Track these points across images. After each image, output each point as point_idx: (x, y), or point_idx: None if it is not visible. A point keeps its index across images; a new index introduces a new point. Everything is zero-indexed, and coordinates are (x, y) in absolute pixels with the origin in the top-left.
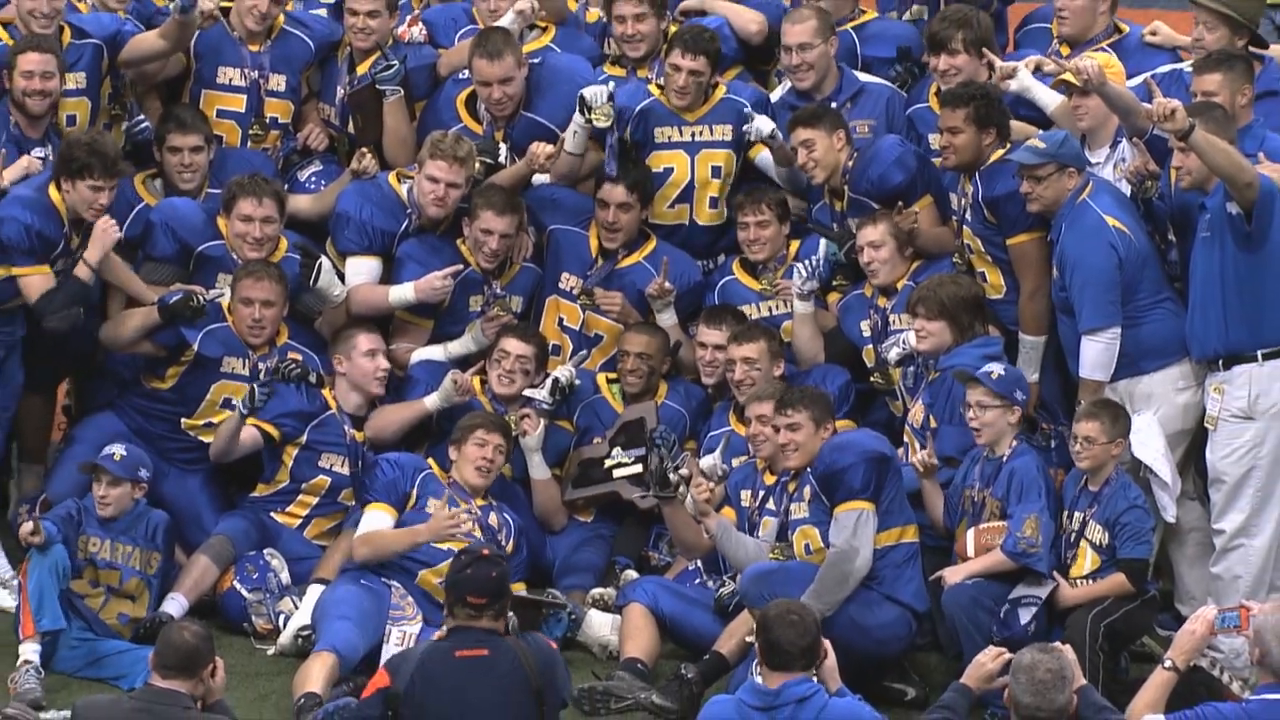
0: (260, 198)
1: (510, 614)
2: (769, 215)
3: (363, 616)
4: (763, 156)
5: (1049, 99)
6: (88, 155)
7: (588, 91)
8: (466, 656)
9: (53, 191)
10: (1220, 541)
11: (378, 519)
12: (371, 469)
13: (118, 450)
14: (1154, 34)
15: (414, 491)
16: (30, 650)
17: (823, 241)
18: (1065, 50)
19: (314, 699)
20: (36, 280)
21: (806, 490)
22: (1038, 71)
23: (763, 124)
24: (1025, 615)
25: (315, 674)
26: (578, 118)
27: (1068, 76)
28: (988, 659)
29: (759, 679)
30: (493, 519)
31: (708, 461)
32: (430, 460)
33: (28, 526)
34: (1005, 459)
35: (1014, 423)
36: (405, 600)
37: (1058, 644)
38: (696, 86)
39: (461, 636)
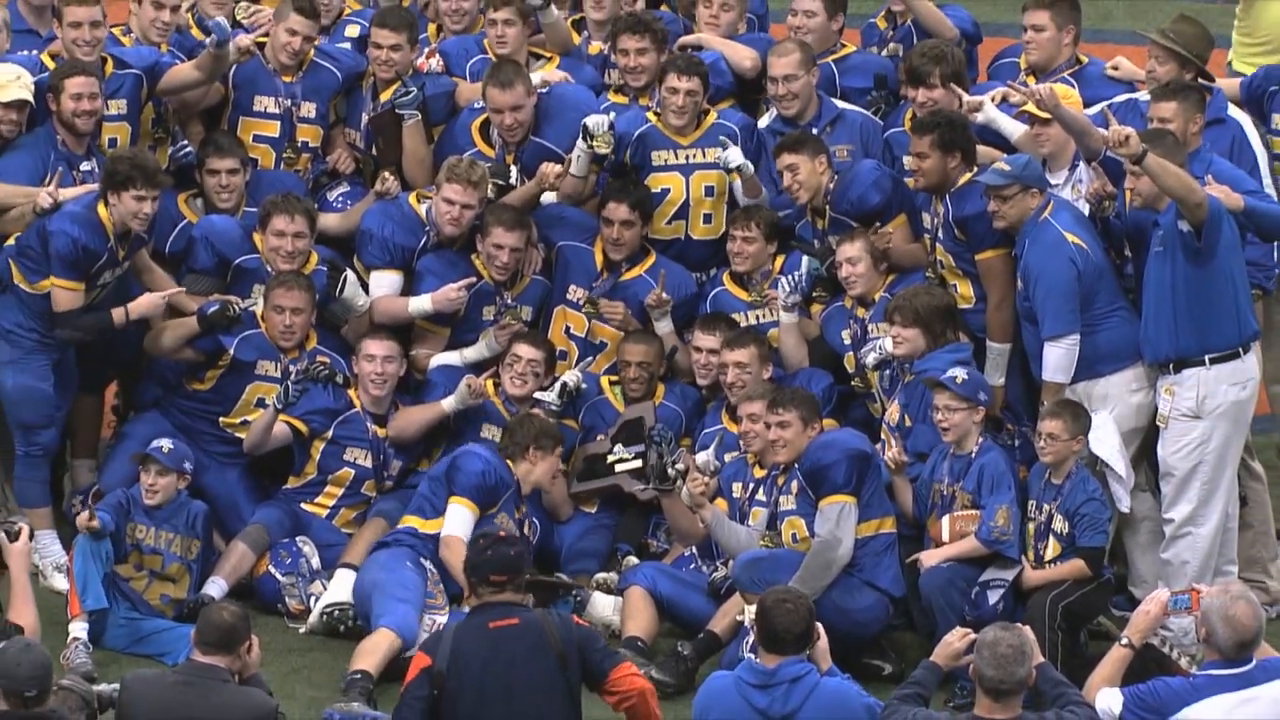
0: (292, 215)
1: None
2: (756, 233)
3: (418, 601)
4: (735, 183)
5: (1013, 128)
6: (130, 169)
7: (590, 121)
8: (499, 626)
9: (101, 209)
10: (1170, 530)
11: (466, 518)
12: (466, 459)
13: (166, 443)
14: (1116, 69)
15: (499, 503)
16: (79, 628)
17: (805, 258)
18: (1031, 80)
19: (367, 680)
20: (66, 295)
21: (794, 484)
22: (1003, 103)
23: (732, 156)
24: (993, 596)
25: (376, 650)
26: (581, 144)
27: (1030, 108)
28: (955, 639)
29: (754, 658)
30: (526, 527)
31: (702, 457)
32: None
33: (84, 516)
34: (974, 455)
35: (978, 421)
36: (437, 588)
37: (1018, 624)
38: (693, 105)
39: (490, 611)
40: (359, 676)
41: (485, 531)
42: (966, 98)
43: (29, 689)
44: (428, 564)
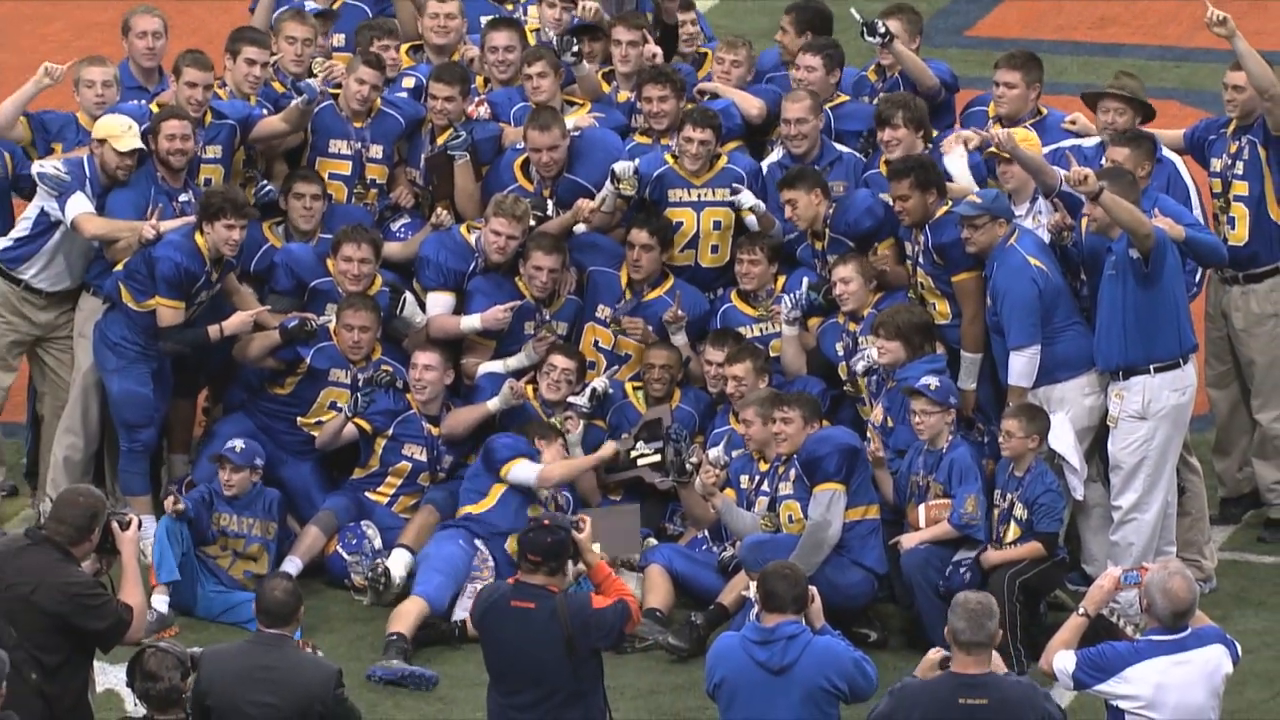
0: (359, 243)
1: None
2: (760, 256)
3: (454, 572)
4: (750, 219)
5: (968, 187)
6: (222, 201)
7: (618, 166)
8: (516, 607)
9: (198, 237)
10: (1118, 515)
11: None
12: (492, 441)
13: (238, 444)
14: (1073, 123)
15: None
16: (159, 601)
17: (805, 283)
18: (996, 127)
19: (402, 640)
20: (169, 312)
21: (792, 472)
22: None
23: (745, 198)
24: (966, 575)
25: (407, 615)
26: (609, 186)
27: (994, 150)
28: (933, 654)
29: (757, 621)
30: (559, 497)
31: (714, 453)
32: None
33: (170, 499)
34: (945, 451)
35: (949, 422)
36: (485, 565)
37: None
38: (706, 152)
39: (520, 589)
40: (395, 638)
41: (537, 518)
42: (964, 133)
43: None
44: (479, 544)
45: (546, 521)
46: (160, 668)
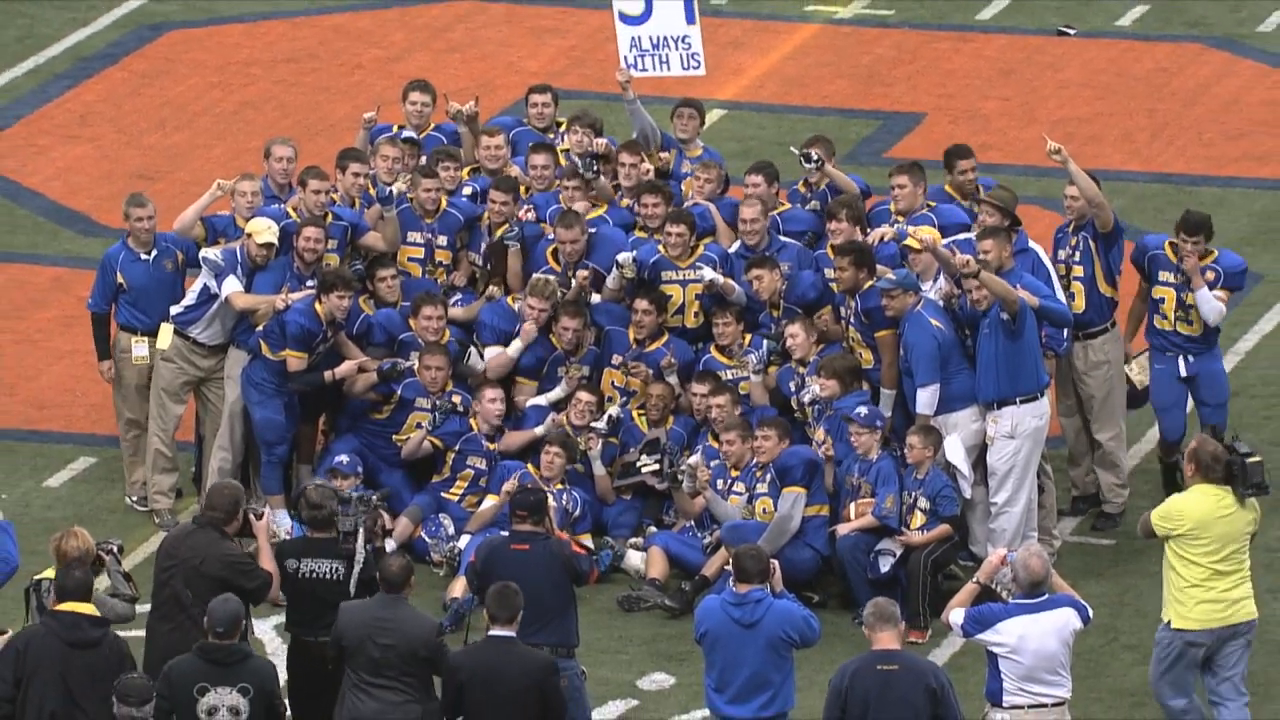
0: (435, 305)
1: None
2: (730, 318)
3: None
4: (715, 284)
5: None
6: (334, 277)
7: (621, 256)
8: (515, 549)
9: (317, 305)
10: (994, 509)
11: (489, 504)
12: (495, 469)
13: (343, 458)
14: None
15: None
16: None
17: (766, 340)
18: (901, 219)
19: (455, 601)
20: (296, 361)
21: (768, 476)
22: (881, 241)
23: (705, 273)
24: (885, 564)
25: (458, 587)
26: (615, 271)
27: (909, 243)
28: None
29: (731, 588)
30: (565, 500)
31: (694, 459)
32: (530, 465)
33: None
34: (874, 461)
35: (876, 440)
36: None
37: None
38: (683, 242)
39: (515, 535)
40: (452, 601)
41: (522, 484)
42: (879, 231)
43: (219, 626)
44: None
45: (529, 485)
46: (322, 498)
